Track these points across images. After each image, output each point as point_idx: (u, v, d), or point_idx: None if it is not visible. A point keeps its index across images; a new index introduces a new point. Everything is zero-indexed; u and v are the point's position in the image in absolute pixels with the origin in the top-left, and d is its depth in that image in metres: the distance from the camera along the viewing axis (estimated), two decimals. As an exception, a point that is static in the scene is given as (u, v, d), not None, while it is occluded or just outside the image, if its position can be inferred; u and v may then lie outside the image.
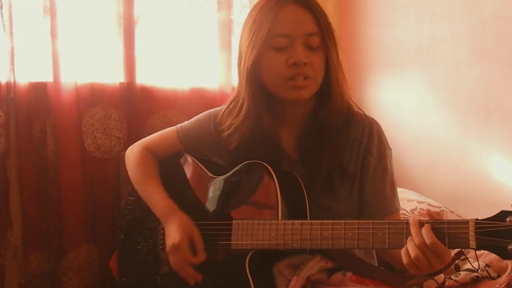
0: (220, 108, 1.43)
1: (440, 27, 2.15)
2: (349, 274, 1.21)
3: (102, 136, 2.03)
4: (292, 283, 1.18)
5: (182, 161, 1.48)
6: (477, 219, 0.96)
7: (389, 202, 1.30)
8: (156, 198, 1.38)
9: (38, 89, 1.91)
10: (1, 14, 1.80)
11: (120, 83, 2.07)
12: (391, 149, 1.36)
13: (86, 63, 1.99)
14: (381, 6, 2.44)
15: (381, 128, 1.35)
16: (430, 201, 2.09)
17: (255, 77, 1.28)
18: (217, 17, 2.25)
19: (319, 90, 1.28)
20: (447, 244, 0.98)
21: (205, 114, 1.47)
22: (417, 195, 2.15)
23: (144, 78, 2.12)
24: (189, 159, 1.46)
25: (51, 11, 1.89)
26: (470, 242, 0.96)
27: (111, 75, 2.05)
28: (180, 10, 2.18)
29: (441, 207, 2.05)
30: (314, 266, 1.21)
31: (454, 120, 2.11)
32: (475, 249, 0.96)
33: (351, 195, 1.32)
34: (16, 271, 1.92)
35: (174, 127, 1.51)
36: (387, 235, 1.04)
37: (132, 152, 1.50)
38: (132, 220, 1.50)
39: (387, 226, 1.05)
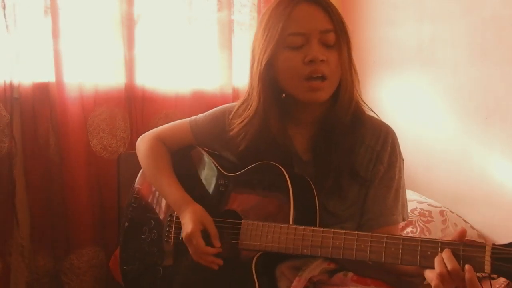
0: (235, 103, 1.39)
1: (440, 27, 2.15)
2: (350, 274, 1.21)
3: (108, 136, 2.03)
4: (294, 284, 1.18)
5: (194, 154, 1.44)
6: (493, 244, 0.96)
7: (389, 213, 1.27)
8: (169, 189, 1.37)
9: (41, 89, 1.90)
10: (5, 14, 1.79)
11: (125, 83, 2.06)
12: (403, 160, 1.33)
13: (89, 64, 1.98)
14: (381, 6, 2.44)
15: (396, 138, 1.32)
16: (430, 201, 2.10)
17: (268, 78, 1.25)
18: (217, 17, 2.25)
19: None
20: (461, 265, 0.97)
21: (220, 108, 1.43)
22: (417, 195, 2.15)
23: (146, 78, 2.12)
24: (202, 153, 1.42)
25: (52, 11, 1.89)
26: (486, 266, 0.95)
27: (114, 76, 2.05)
28: (181, 10, 2.18)
29: (441, 207, 2.05)
30: (316, 268, 1.20)
31: (454, 120, 2.11)
32: (490, 274, 0.95)
33: (358, 200, 1.29)
34: (23, 270, 1.91)
35: (187, 119, 1.46)
36: (400, 251, 1.02)
37: (144, 142, 1.47)
38: (138, 209, 1.48)
39: (401, 242, 1.03)
